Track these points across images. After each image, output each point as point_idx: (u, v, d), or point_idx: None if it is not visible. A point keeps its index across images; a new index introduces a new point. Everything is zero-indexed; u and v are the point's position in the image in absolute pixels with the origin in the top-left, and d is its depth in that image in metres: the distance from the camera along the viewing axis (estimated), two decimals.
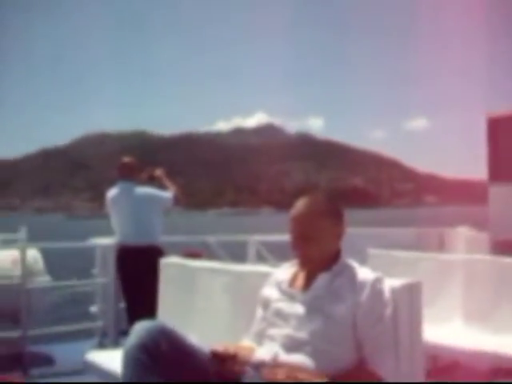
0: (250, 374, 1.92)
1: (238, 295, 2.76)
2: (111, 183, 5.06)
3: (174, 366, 1.94)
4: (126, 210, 4.81)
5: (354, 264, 2.11)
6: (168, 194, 4.92)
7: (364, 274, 2.04)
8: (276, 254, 6.21)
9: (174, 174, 5.14)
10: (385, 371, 1.91)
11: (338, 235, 2.14)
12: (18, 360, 4.73)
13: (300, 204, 2.13)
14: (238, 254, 6.33)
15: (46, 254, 5.49)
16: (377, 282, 2.00)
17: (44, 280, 5.31)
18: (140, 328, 1.97)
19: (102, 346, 5.29)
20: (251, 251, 6.34)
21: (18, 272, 4.97)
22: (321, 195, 2.21)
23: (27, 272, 4.97)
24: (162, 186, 5.01)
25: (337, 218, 2.15)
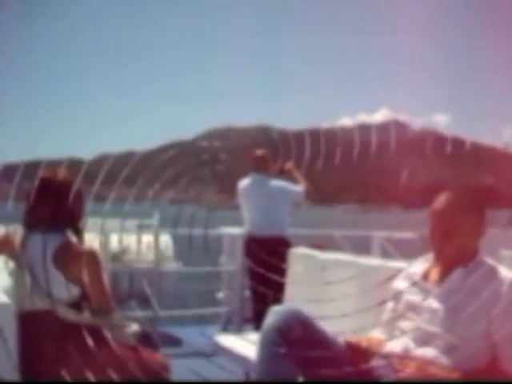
0: (380, 365, 1.91)
1: (366, 288, 2.72)
2: (237, 176, 5.17)
3: (309, 351, 1.97)
4: (258, 201, 4.90)
5: (492, 262, 2.05)
6: (299, 188, 4.96)
7: (503, 272, 1.98)
8: (401, 252, 6.05)
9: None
10: None
11: (479, 233, 2.08)
12: (147, 339, 4.96)
13: (442, 199, 2.10)
14: (362, 249, 6.24)
15: (177, 241, 5.72)
16: None
17: (174, 265, 5.54)
18: (275, 312, 2.02)
19: (225, 331, 5.43)
20: (376, 247, 6.23)
21: (151, 256, 5.23)
22: (464, 192, 2.16)
23: (159, 256, 5.21)
24: (291, 180, 5.05)
25: (479, 216, 2.09)
